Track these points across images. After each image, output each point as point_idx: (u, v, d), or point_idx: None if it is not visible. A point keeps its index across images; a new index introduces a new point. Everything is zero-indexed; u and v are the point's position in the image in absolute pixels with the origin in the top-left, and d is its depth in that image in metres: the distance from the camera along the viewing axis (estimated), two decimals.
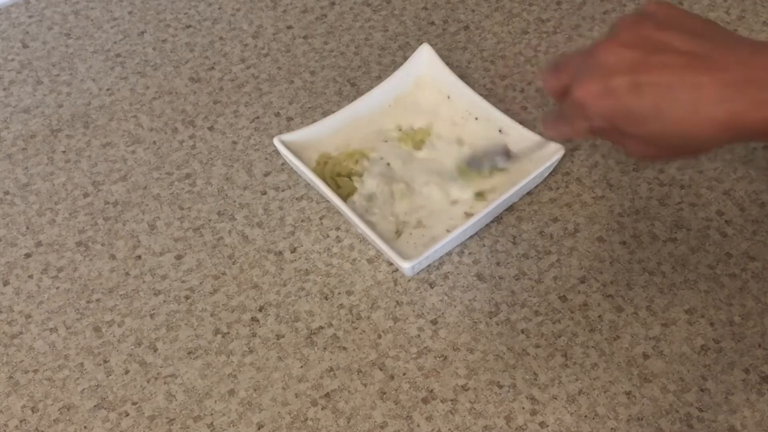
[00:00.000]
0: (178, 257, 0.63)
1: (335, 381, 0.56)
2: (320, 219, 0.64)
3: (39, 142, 0.70)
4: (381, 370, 0.57)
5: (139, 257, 0.63)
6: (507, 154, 0.62)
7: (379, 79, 0.72)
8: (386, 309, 0.59)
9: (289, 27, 0.77)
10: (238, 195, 0.66)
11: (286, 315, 0.59)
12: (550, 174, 0.65)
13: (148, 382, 0.57)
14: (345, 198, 0.62)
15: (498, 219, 0.63)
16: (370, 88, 0.69)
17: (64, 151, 0.69)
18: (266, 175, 0.67)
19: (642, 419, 0.54)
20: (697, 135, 0.43)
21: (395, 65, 0.72)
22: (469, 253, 0.62)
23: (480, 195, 0.63)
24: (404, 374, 0.57)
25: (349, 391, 0.56)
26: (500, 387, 0.56)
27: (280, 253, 0.63)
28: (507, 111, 0.67)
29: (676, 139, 0.44)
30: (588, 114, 0.45)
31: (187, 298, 0.61)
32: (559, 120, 0.49)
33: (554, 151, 0.62)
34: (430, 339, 0.58)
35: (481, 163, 0.63)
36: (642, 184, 0.65)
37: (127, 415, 0.55)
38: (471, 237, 0.63)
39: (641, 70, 0.43)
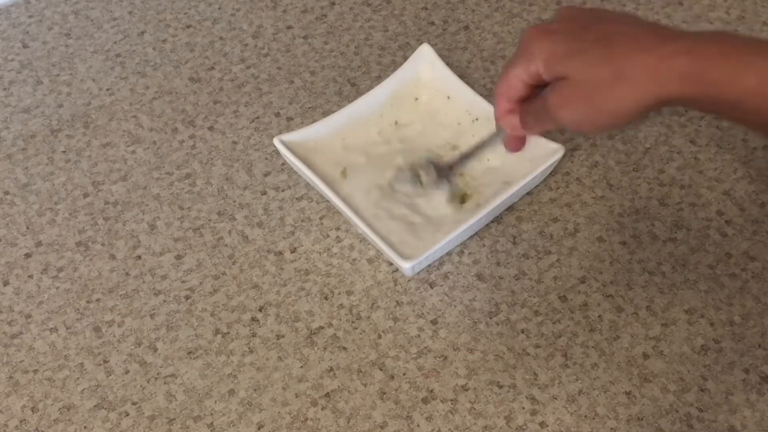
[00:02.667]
0: (178, 257, 0.63)
1: (335, 381, 0.56)
2: (320, 219, 0.64)
3: (39, 142, 0.70)
4: (381, 370, 0.57)
5: (139, 257, 0.63)
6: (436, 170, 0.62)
7: (379, 79, 0.72)
8: (386, 309, 0.59)
9: (289, 27, 0.77)
10: (238, 195, 0.66)
11: (286, 315, 0.59)
12: (550, 174, 0.65)
13: (148, 382, 0.57)
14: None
15: (498, 219, 0.63)
16: (370, 88, 0.69)
17: (64, 151, 0.69)
18: (266, 175, 0.67)
19: (642, 419, 0.54)
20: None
21: (395, 65, 0.72)
22: (469, 253, 0.62)
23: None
24: (404, 374, 0.57)
25: (349, 391, 0.56)
26: (500, 387, 0.56)
27: (280, 253, 0.63)
28: None
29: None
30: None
31: (187, 298, 0.61)
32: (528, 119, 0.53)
33: (554, 151, 0.62)
34: (430, 339, 0.58)
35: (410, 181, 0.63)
36: (642, 184, 0.65)
37: (127, 415, 0.55)
38: (471, 237, 0.63)
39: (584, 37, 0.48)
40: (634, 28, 0.47)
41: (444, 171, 0.62)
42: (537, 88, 0.51)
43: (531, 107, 0.52)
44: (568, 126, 0.49)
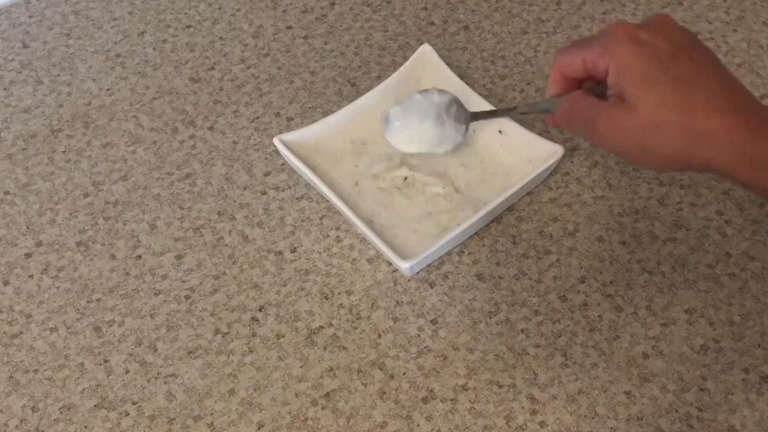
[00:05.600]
0: (178, 257, 0.63)
1: (335, 381, 0.56)
2: (320, 219, 0.64)
3: (39, 142, 0.70)
4: (381, 369, 0.57)
5: (139, 257, 0.63)
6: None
7: (379, 79, 0.72)
8: (386, 309, 0.60)
9: (289, 27, 0.77)
10: (238, 195, 0.66)
11: (286, 315, 0.60)
12: (550, 174, 0.66)
13: (148, 381, 0.57)
14: None
15: (498, 219, 0.64)
16: (370, 88, 0.69)
17: (64, 151, 0.69)
18: (266, 175, 0.67)
19: (642, 419, 0.54)
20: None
21: (395, 65, 0.72)
22: (469, 253, 0.62)
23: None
24: (404, 374, 0.57)
25: (349, 391, 0.56)
26: (500, 387, 0.56)
27: (280, 253, 0.63)
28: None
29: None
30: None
31: (187, 297, 0.61)
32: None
33: (554, 152, 0.62)
34: (430, 339, 0.58)
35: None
36: (642, 184, 0.65)
37: (127, 414, 0.55)
38: (471, 237, 0.63)
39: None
40: (714, 80, 0.45)
41: (466, 115, 0.61)
42: (592, 80, 0.51)
43: (577, 112, 0.50)
44: (608, 151, 0.49)
